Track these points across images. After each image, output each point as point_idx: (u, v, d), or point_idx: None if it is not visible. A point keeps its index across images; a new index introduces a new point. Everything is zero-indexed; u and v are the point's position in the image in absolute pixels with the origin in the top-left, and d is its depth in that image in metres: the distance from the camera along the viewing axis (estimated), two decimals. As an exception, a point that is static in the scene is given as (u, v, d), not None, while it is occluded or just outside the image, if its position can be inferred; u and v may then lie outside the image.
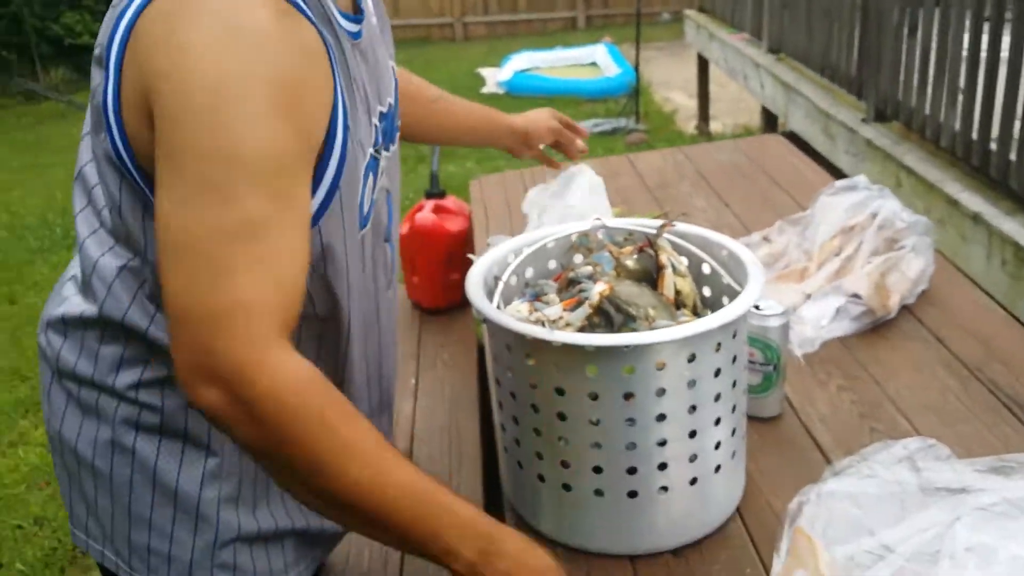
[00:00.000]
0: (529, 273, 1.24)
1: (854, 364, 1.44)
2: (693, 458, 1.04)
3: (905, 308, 1.57)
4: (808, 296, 1.56)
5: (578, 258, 1.26)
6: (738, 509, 1.14)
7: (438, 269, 2.48)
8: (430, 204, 2.53)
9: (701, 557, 1.07)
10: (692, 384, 1.00)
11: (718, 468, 1.07)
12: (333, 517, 0.88)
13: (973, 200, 2.83)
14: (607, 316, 1.08)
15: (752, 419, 1.31)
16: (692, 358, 0.99)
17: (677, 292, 1.15)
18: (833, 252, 1.64)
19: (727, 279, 1.15)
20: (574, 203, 1.64)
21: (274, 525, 1.01)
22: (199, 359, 0.78)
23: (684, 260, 1.21)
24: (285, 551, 1.03)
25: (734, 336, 1.04)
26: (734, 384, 1.05)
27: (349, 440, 0.80)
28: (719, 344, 1.01)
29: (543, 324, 1.02)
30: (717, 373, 1.02)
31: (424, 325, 2.39)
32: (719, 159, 2.43)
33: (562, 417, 1.02)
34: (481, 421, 1.92)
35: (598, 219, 1.24)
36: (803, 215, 1.77)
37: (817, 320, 1.50)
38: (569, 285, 1.16)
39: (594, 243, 1.23)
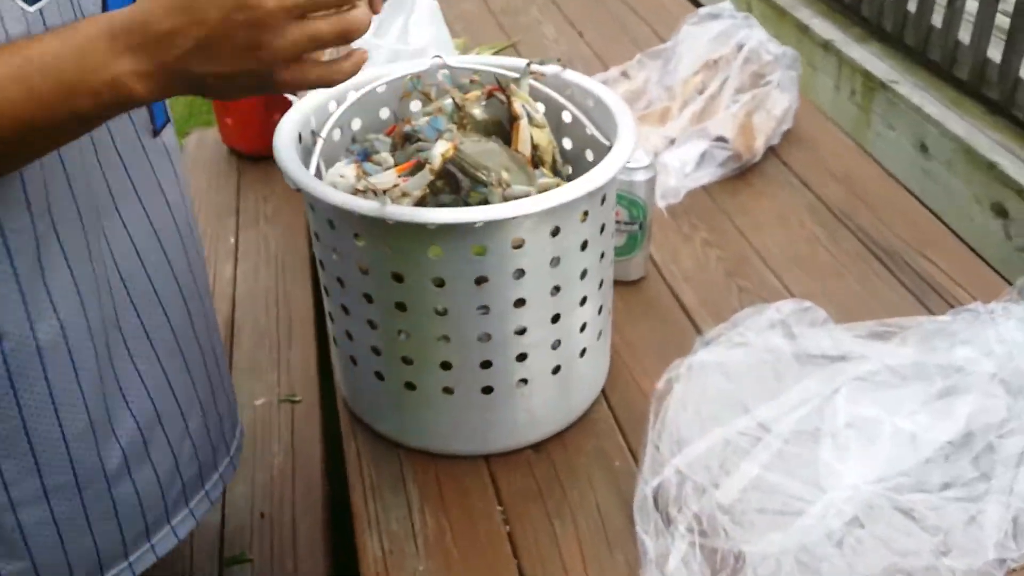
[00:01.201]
0: (356, 125, 1.03)
1: (719, 215, 1.33)
2: (556, 345, 0.90)
3: (770, 150, 1.46)
4: (672, 141, 1.42)
5: (415, 105, 1.05)
6: (603, 390, 1.02)
7: (255, 108, 2.19)
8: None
9: (564, 450, 0.95)
10: (555, 262, 0.85)
11: (583, 352, 0.93)
12: None
13: (824, 27, 2.75)
14: (452, 178, 0.89)
15: (615, 283, 1.18)
16: (556, 232, 0.83)
17: (534, 147, 0.98)
18: (696, 89, 1.49)
19: (591, 129, 0.98)
20: (409, 39, 1.41)
21: None
22: None
23: (540, 107, 1.02)
24: None
25: (603, 201, 0.88)
26: (602, 256, 0.91)
27: None
28: (586, 213, 0.85)
29: (373, 195, 0.82)
30: (584, 246, 0.87)
31: (244, 174, 2.13)
32: (569, -19, 2.21)
33: (401, 307, 0.85)
34: (313, 283, 1.73)
35: (438, 56, 1.03)
36: (664, 47, 1.61)
37: (681, 167, 1.37)
38: (405, 141, 0.97)
39: (431, 87, 1.02)
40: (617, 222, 1.15)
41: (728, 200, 1.36)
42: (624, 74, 1.60)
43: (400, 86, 1.03)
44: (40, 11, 0.67)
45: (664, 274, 1.22)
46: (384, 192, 0.84)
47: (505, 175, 0.86)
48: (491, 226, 0.79)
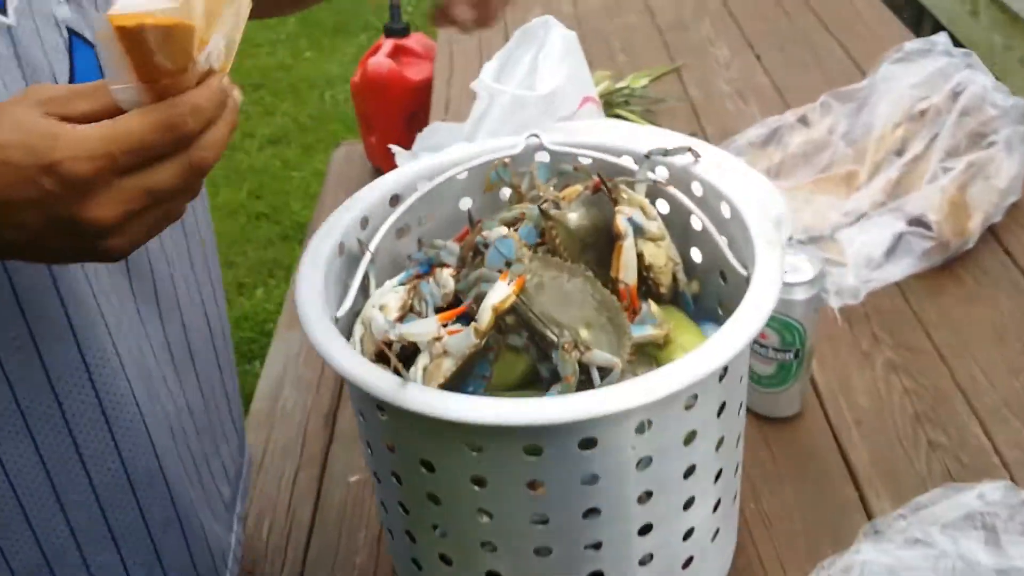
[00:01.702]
0: (429, 221, 0.82)
1: (912, 325, 1.02)
2: (647, 559, 0.65)
3: (988, 231, 1.13)
4: (857, 218, 1.12)
5: (506, 192, 0.83)
6: (722, 594, 0.76)
7: (399, 127, 2.04)
8: (388, 45, 2.04)
9: None
10: (645, 463, 0.60)
11: (688, 562, 0.68)
12: None
13: (1072, 38, 2.28)
14: (522, 320, 0.66)
15: (759, 417, 0.92)
16: (644, 426, 0.58)
17: (645, 267, 0.73)
18: (894, 149, 1.18)
19: (725, 249, 0.72)
20: (538, 81, 1.17)
21: None
22: None
23: (664, 206, 0.77)
24: None
25: (723, 377, 0.62)
26: (720, 443, 0.65)
27: None
28: (695, 396, 0.60)
29: (406, 354, 0.61)
30: (690, 438, 0.61)
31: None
32: (755, -11, 1.90)
33: (434, 500, 0.63)
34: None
35: (534, 136, 0.80)
36: (858, 88, 1.29)
37: (865, 258, 1.07)
38: (476, 254, 0.74)
39: (523, 175, 0.79)
40: (764, 346, 0.88)
41: (927, 304, 1.05)
42: (802, 120, 1.30)
43: (486, 170, 0.81)
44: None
45: (828, 409, 0.93)
46: (429, 342, 0.62)
47: (584, 334, 0.62)
48: (546, 426, 0.56)
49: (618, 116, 1.43)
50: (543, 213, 0.72)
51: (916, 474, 0.85)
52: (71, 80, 0.61)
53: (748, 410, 0.93)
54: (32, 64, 0.59)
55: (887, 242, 1.08)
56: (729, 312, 0.61)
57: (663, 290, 0.75)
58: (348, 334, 0.69)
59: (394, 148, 1.33)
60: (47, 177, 0.45)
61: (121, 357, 0.65)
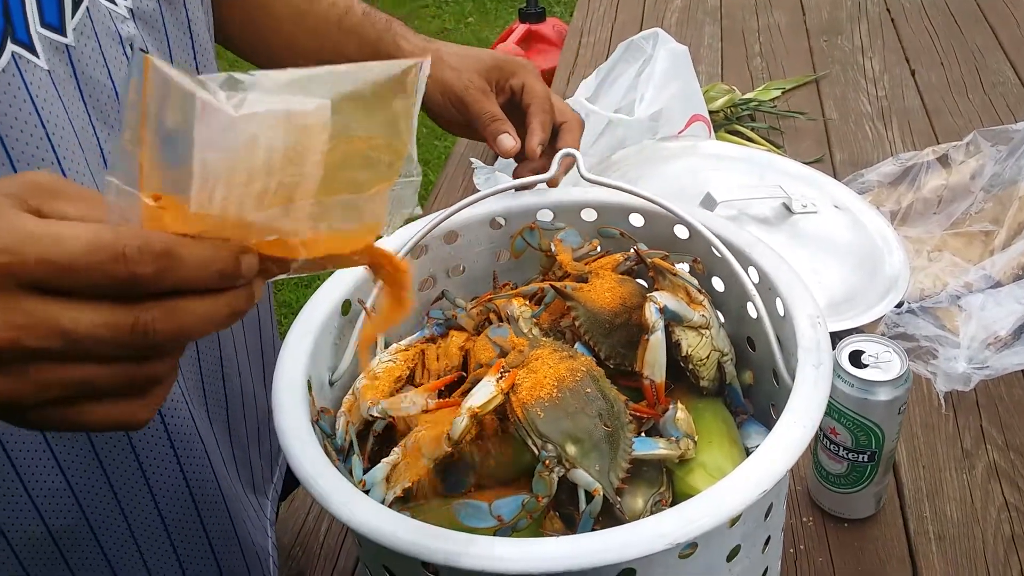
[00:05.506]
0: (454, 277, 0.75)
1: (1031, 425, 0.88)
2: None
3: None
4: (984, 288, 0.97)
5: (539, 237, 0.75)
6: None
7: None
8: (521, 30, 1.96)
9: None
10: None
11: None
12: None
13: None
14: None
15: (825, 513, 0.81)
16: None
17: (684, 357, 0.64)
18: (1044, 209, 1.01)
19: (776, 353, 0.62)
20: (639, 102, 1.08)
21: None
22: None
23: (719, 284, 0.68)
24: None
25: (735, 522, 0.53)
26: (732, 586, 0.56)
27: None
28: (693, 545, 0.51)
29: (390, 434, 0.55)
30: (687, 586, 0.53)
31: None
32: (924, -11, 1.71)
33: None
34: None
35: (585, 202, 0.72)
36: (1015, 129, 1.12)
37: (985, 337, 0.92)
38: (487, 319, 0.67)
39: (548, 240, 0.71)
40: (834, 443, 0.77)
41: (1052, 401, 0.90)
42: (942, 160, 1.14)
43: (524, 221, 0.73)
44: None
45: (908, 515, 0.81)
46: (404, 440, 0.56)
47: (571, 450, 0.54)
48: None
49: (736, 134, 1.31)
50: (560, 293, 0.64)
51: (1000, 618, 0.73)
52: None
53: (814, 504, 0.82)
54: (91, 83, 0.58)
55: (1015, 321, 0.93)
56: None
57: (704, 383, 0.66)
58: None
59: (475, 162, 1.27)
60: None
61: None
